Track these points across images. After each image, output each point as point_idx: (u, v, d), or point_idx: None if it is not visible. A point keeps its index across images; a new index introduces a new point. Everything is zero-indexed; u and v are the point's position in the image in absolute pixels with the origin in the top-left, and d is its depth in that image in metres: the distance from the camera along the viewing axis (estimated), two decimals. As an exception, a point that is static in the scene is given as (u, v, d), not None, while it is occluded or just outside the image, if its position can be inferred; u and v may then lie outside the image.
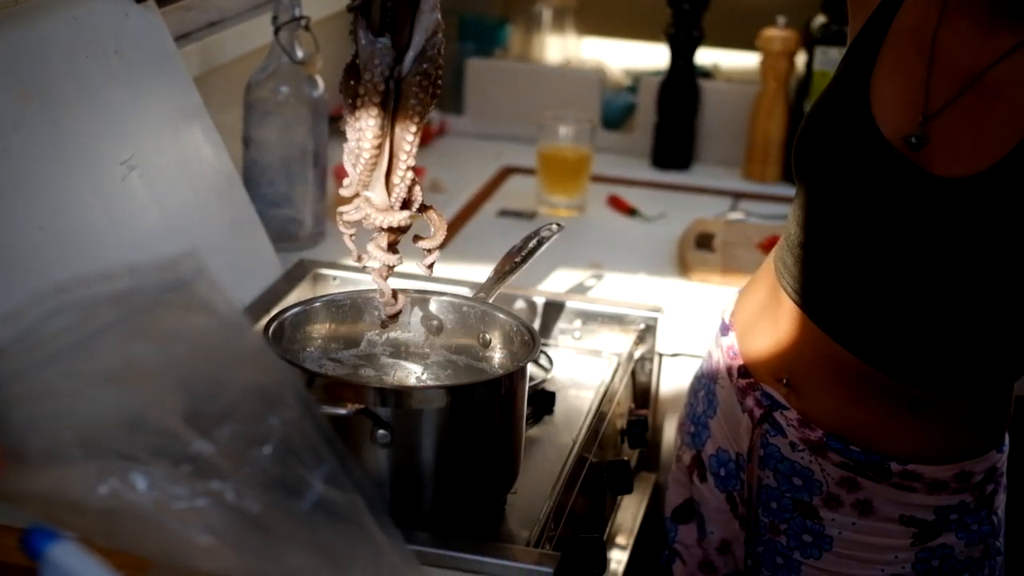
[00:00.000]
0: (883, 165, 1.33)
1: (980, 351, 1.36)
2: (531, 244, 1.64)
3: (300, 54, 1.89)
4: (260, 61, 1.92)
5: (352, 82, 1.26)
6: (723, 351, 1.56)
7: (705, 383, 1.61)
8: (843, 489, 1.44)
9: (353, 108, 1.26)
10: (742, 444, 1.51)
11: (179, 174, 1.67)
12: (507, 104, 2.57)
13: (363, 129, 1.25)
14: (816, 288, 1.41)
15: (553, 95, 2.52)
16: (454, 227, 2.15)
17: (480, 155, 2.47)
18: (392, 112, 1.25)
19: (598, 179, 2.32)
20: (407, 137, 1.26)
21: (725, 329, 1.56)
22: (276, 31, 1.88)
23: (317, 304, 1.46)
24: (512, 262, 1.61)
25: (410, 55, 1.23)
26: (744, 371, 1.51)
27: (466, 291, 1.59)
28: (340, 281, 1.80)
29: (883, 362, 1.37)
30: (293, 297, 1.73)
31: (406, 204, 1.31)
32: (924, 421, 1.39)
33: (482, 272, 1.62)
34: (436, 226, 1.35)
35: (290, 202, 1.92)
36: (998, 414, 1.43)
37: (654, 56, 2.64)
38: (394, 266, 1.35)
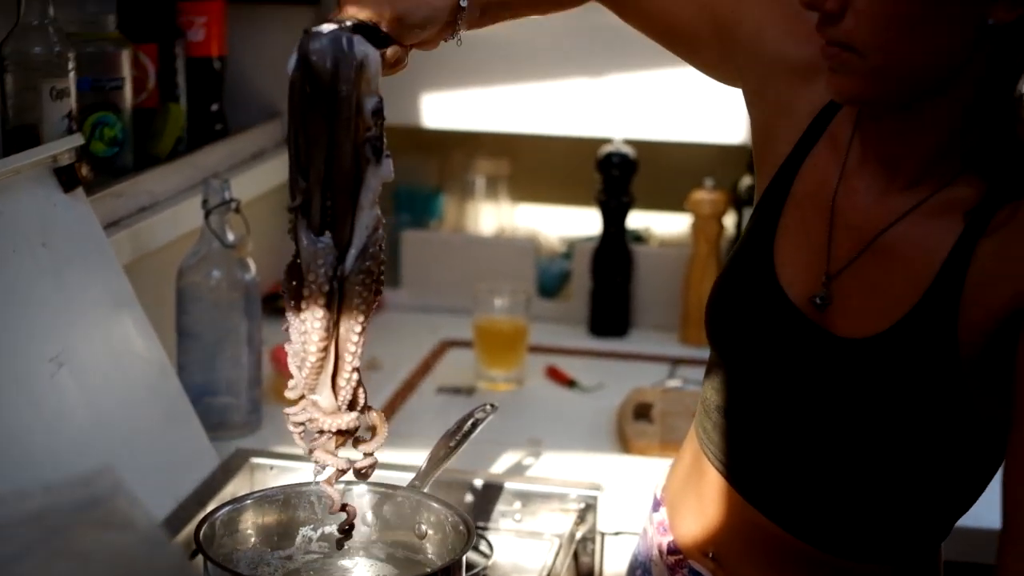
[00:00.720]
0: (789, 327, 1.34)
1: (897, 515, 1.36)
2: (466, 427, 1.62)
3: (231, 237, 1.89)
4: (191, 245, 1.91)
5: (294, 283, 1.25)
6: (654, 527, 1.55)
7: (641, 561, 1.59)
8: None
9: (297, 309, 1.25)
10: (675, 623, 1.49)
11: (110, 367, 1.65)
12: (444, 275, 2.57)
13: (308, 332, 1.23)
14: (736, 454, 1.41)
15: (488, 264, 2.53)
16: (392, 406, 2.14)
17: (418, 329, 2.46)
18: (337, 312, 1.24)
19: (536, 349, 2.32)
20: (352, 337, 1.25)
21: (656, 505, 1.56)
22: (206, 215, 1.87)
23: (249, 501, 1.44)
24: (447, 447, 1.59)
25: (352, 253, 1.22)
26: (673, 547, 1.50)
27: (403, 476, 1.57)
28: (277, 470, 1.77)
29: (803, 530, 1.37)
30: (230, 489, 1.69)
31: (352, 405, 1.29)
32: None
33: (420, 454, 1.60)
34: (378, 429, 1.33)
35: (225, 388, 1.90)
36: None
37: (588, 221, 2.66)
38: (345, 470, 1.32)
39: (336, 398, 1.27)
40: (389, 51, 1.26)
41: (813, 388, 1.32)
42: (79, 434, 1.54)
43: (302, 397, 1.29)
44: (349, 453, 1.31)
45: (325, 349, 1.24)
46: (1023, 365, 1.21)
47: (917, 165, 1.28)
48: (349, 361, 1.25)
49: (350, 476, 1.33)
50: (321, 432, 1.28)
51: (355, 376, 1.27)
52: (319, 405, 1.27)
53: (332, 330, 1.24)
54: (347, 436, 1.30)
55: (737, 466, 1.41)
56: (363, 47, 1.18)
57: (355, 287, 1.23)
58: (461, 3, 1.31)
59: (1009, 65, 1.23)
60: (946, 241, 1.25)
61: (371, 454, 1.32)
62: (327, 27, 1.19)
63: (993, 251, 1.23)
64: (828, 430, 1.33)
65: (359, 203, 1.21)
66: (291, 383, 1.28)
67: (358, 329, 1.24)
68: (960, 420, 1.27)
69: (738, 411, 1.40)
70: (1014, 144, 1.24)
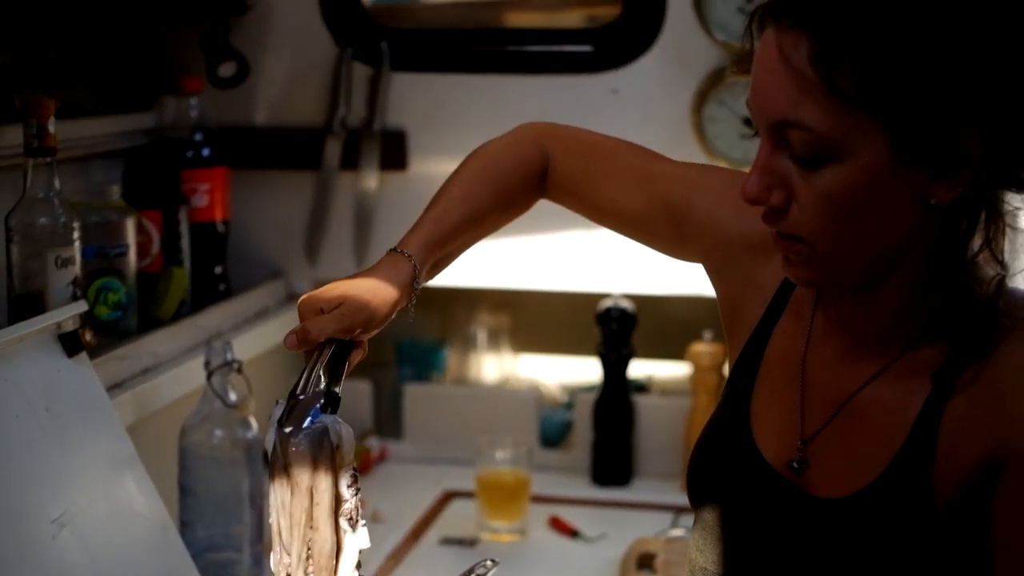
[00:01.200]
0: (768, 490, 1.35)
1: None
2: (467, 582, 1.63)
3: (233, 397, 1.92)
4: (194, 404, 1.94)
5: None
6: None
7: None
8: None
9: None
10: None
11: (112, 527, 1.67)
12: (446, 427, 2.60)
13: None
14: None
15: (491, 416, 2.56)
16: (396, 558, 2.14)
17: (421, 480, 2.48)
18: None
19: (539, 499, 2.34)
20: None
21: None
22: (209, 376, 1.91)
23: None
24: (449, 602, 1.60)
25: None
26: None
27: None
28: (277, 626, 1.77)
29: None
30: (230, 646, 1.70)
31: None
32: None
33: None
34: None
35: (228, 544, 1.92)
36: None
37: (589, 370, 2.69)
38: None
39: None
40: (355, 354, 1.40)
41: (794, 548, 1.33)
42: (81, 595, 1.55)
43: None
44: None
45: None
46: (999, 519, 1.23)
47: (879, 331, 1.30)
48: None
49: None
50: None
51: None
52: None
53: None
54: None
55: None
56: (336, 428, 1.30)
57: None
58: (415, 287, 1.44)
59: (958, 235, 1.25)
60: (915, 402, 1.27)
61: None
62: (303, 424, 1.31)
63: (961, 412, 1.25)
64: None
65: (338, 570, 1.30)
66: None
67: None
68: (941, 569, 1.27)
69: (720, 570, 1.41)
70: (973, 305, 1.26)
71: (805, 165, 1.21)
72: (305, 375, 1.35)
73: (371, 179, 2.51)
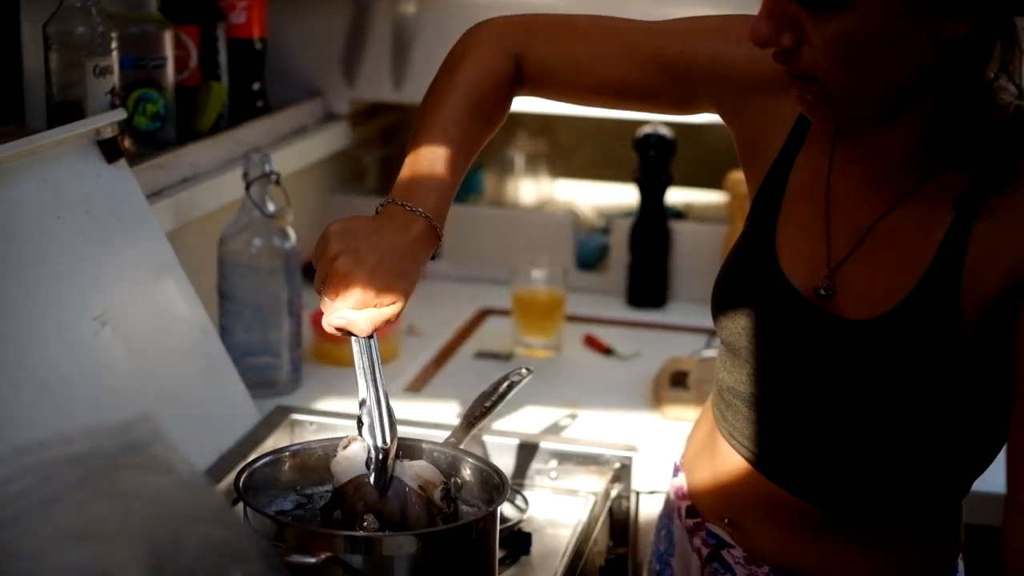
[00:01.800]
0: (796, 314, 1.37)
1: (915, 479, 1.38)
2: (501, 388, 1.65)
3: (271, 208, 1.93)
4: (233, 215, 1.96)
5: None
6: (674, 491, 1.58)
7: (664, 523, 1.63)
8: None
9: None
10: (695, 583, 1.52)
11: (153, 328, 1.69)
12: (483, 248, 2.61)
13: None
14: (749, 432, 1.44)
15: (527, 238, 2.56)
16: (430, 370, 2.17)
17: (457, 298, 2.50)
18: None
19: (573, 319, 2.35)
20: None
21: (676, 470, 1.60)
22: (247, 187, 1.92)
23: (287, 453, 1.47)
24: (483, 407, 1.62)
25: None
26: (692, 511, 1.54)
27: (440, 435, 1.60)
28: (317, 426, 1.81)
29: (820, 499, 1.40)
30: (270, 443, 1.73)
31: None
32: (867, 551, 1.40)
33: (457, 413, 1.63)
34: None
35: (266, 349, 1.95)
36: (946, 539, 1.44)
37: (627, 195, 2.69)
38: None
39: None
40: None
41: (822, 369, 1.35)
42: (121, 389, 1.58)
43: None
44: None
45: None
46: (1022, 338, 1.24)
47: (900, 161, 1.31)
48: None
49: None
50: None
51: None
52: None
53: None
54: None
55: (751, 444, 1.44)
56: (415, 472, 1.41)
57: None
58: (437, 253, 1.42)
59: (973, 65, 1.24)
60: (940, 226, 1.28)
61: None
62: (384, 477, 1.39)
63: (987, 234, 1.26)
64: (841, 407, 1.36)
65: None
66: None
67: None
68: (970, 386, 1.29)
69: (750, 394, 1.43)
70: (993, 131, 1.26)
71: (814, 10, 1.20)
72: (370, 382, 1.38)
73: (410, 3, 2.49)
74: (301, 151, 2.35)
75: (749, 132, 1.45)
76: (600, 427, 1.94)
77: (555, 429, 1.93)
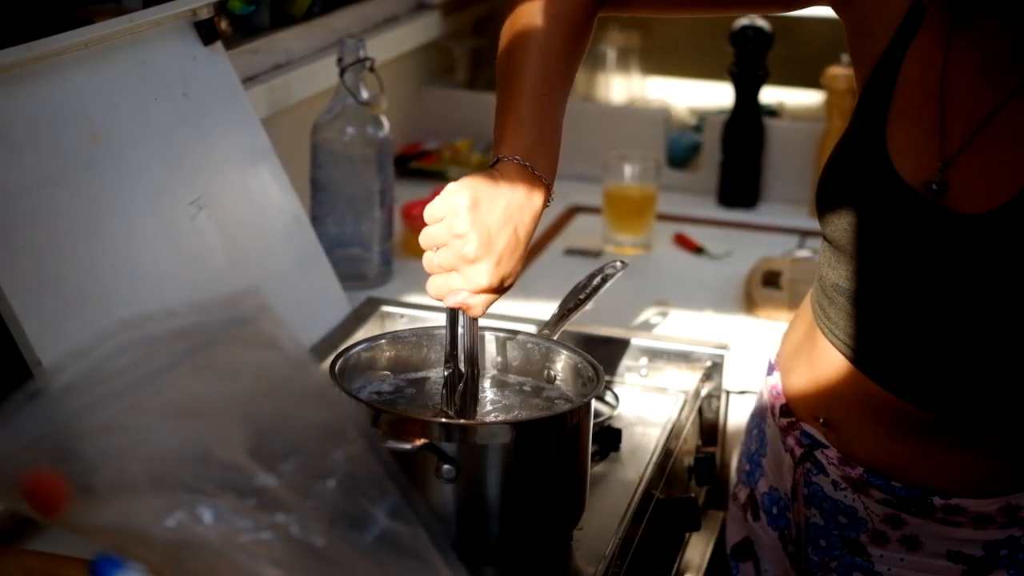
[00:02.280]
0: (907, 209, 1.33)
1: (1016, 383, 1.35)
2: (595, 281, 1.63)
3: (365, 95, 1.91)
4: (326, 103, 1.94)
5: None
6: (768, 390, 1.56)
7: (756, 422, 1.61)
8: (888, 526, 1.43)
9: None
10: (786, 483, 1.50)
11: (247, 214, 1.69)
12: (573, 143, 2.55)
13: None
14: (851, 330, 1.41)
15: (618, 134, 2.53)
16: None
17: (545, 194, 2.46)
18: None
19: (664, 217, 2.32)
20: None
21: (770, 369, 1.58)
22: (341, 73, 1.90)
23: (382, 341, 1.47)
24: (576, 299, 1.61)
25: None
26: (786, 410, 1.52)
27: (531, 328, 1.59)
28: (408, 319, 1.81)
29: (922, 399, 1.37)
30: (361, 334, 1.74)
31: None
32: (965, 454, 1.38)
33: (548, 309, 1.62)
34: None
35: (358, 241, 1.94)
36: None
37: (719, 95, 2.64)
38: None
39: None
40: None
41: (933, 265, 1.32)
42: (217, 274, 1.58)
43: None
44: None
45: None
46: None
47: (1017, 46, 1.26)
48: None
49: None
50: None
51: None
52: None
53: None
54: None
55: (853, 342, 1.41)
56: None
57: None
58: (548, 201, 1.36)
59: None
60: None
61: None
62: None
63: None
64: (950, 305, 1.33)
65: None
66: None
67: None
68: None
69: (856, 291, 1.40)
70: None
71: None
72: (465, 357, 1.36)
73: None
74: (393, 40, 2.33)
75: (861, 19, 1.41)
76: (691, 325, 1.92)
77: (646, 326, 1.91)
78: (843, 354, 1.42)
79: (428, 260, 1.31)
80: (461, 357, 1.37)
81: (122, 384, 0.92)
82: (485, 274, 1.28)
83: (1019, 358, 1.34)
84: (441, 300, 1.32)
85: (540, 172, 1.33)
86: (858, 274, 1.40)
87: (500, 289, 1.31)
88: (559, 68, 1.39)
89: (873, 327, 1.39)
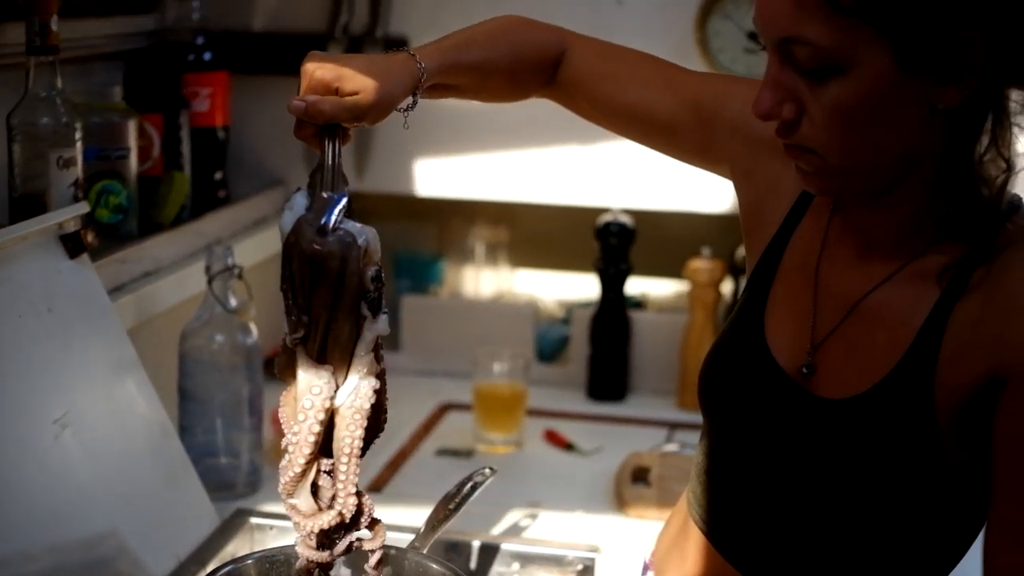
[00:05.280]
0: (779, 394, 1.36)
1: (881, 573, 1.37)
2: (465, 490, 1.64)
3: (233, 303, 1.92)
4: (195, 308, 1.94)
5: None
6: None
7: None
8: None
9: (291, 428, 1.30)
10: None
11: (112, 429, 1.67)
12: (443, 339, 2.60)
13: (299, 444, 1.28)
14: (721, 516, 1.43)
15: (488, 329, 2.56)
16: (392, 467, 2.16)
17: (417, 392, 2.48)
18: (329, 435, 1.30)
19: (534, 412, 2.34)
20: (343, 460, 1.29)
21: (645, 569, 1.59)
22: (210, 281, 1.91)
23: (250, 561, 1.45)
24: (446, 509, 1.61)
25: (344, 391, 1.28)
26: None
27: (403, 537, 1.59)
28: (277, 530, 1.78)
29: None
30: (230, 548, 1.71)
31: (354, 524, 1.33)
32: None
33: (419, 515, 1.62)
34: (379, 535, 1.36)
35: (227, 450, 1.93)
36: None
37: (586, 286, 2.70)
38: (326, 564, 1.34)
39: (316, 500, 1.30)
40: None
41: (796, 448, 1.35)
42: (82, 494, 1.56)
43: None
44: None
45: (310, 463, 1.29)
46: (1000, 437, 1.23)
47: (894, 235, 1.31)
48: (343, 483, 1.29)
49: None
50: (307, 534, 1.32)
51: (352, 500, 1.30)
52: (298, 508, 1.31)
53: (318, 450, 1.29)
54: (330, 536, 1.33)
55: (721, 527, 1.43)
56: (364, 233, 1.27)
57: (346, 419, 1.27)
58: (415, 94, 1.37)
59: (964, 138, 1.25)
60: (924, 305, 1.28)
61: (375, 551, 1.36)
62: (329, 217, 1.26)
63: (968, 314, 1.25)
64: (810, 490, 1.34)
65: (355, 352, 1.28)
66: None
67: (347, 453, 1.29)
68: (939, 481, 1.28)
69: (724, 474, 1.42)
70: (981, 206, 1.26)
71: (812, 79, 1.22)
72: (328, 169, 1.32)
73: (372, 89, 2.49)
74: (263, 242, 2.34)
75: (756, 197, 1.45)
76: (563, 527, 1.93)
77: (516, 530, 1.91)
78: (711, 542, 1.43)
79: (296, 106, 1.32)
80: (327, 176, 1.32)
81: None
82: (327, 74, 1.30)
83: (875, 550, 1.35)
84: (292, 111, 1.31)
85: (420, 59, 1.37)
86: (728, 456, 1.42)
87: (345, 94, 1.31)
88: (499, 49, 1.46)
89: (741, 512, 1.40)
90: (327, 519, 1.31)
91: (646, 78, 1.52)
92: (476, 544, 1.77)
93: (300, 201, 1.29)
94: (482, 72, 1.47)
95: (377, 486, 2.08)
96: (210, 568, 1.43)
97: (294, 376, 1.30)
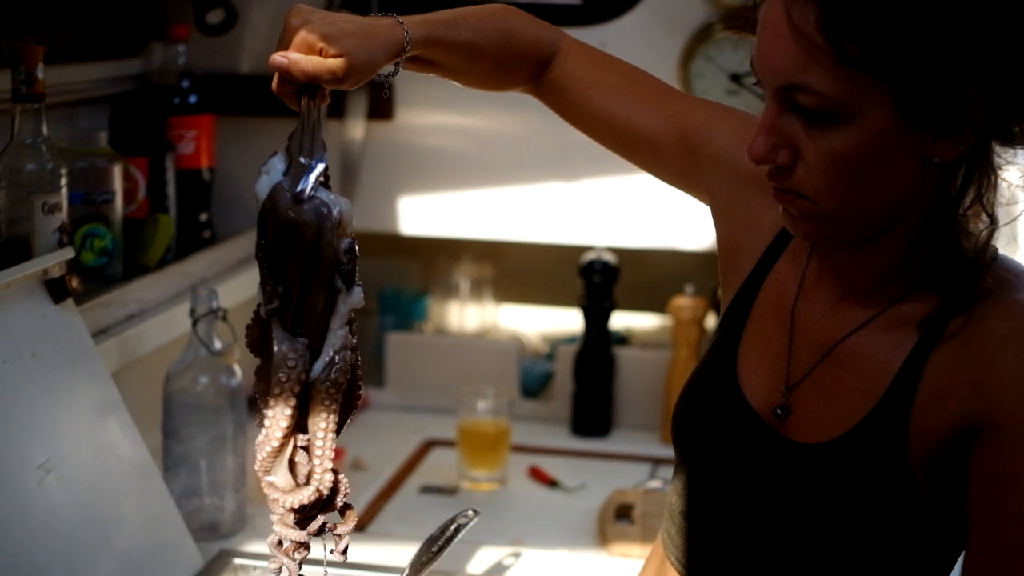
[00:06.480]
0: (751, 435, 1.37)
1: None
2: (448, 532, 1.66)
3: (218, 345, 1.93)
4: (179, 350, 1.96)
5: (265, 383, 1.30)
6: None
7: None
8: None
9: (266, 403, 1.29)
10: None
11: (96, 472, 1.68)
12: (428, 376, 2.62)
13: (275, 417, 1.27)
14: (697, 558, 1.44)
15: (472, 366, 2.58)
16: (376, 506, 2.17)
17: (402, 429, 2.50)
18: (304, 412, 1.29)
19: (518, 449, 2.36)
20: (318, 436, 1.29)
21: None
22: (194, 324, 1.92)
23: (233, 605, 1.46)
24: (429, 551, 1.62)
25: (319, 364, 1.27)
26: None
27: (386, 578, 1.60)
28: (261, 571, 1.80)
29: None
30: (213, 590, 1.72)
31: (330, 503, 1.33)
32: None
33: (404, 554, 1.63)
34: (350, 520, 1.36)
35: (211, 490, 1.94)
36: None
37: (570, 321, 2.72)
38: (303, 543, 1.34)
39: (294, 476, 1.30)
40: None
41: (770, 492, 1.35)
42: (66, 539, 1.57)
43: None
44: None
45: (287, 438, 1.28)
46: (975, 485, 1.24)
47: (873, 282, 1.32)
48: (319, 457, 1.29)
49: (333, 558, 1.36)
50: (285, 511, 1.31)
51: (328, 476, 1.30)
52: (276, 485, 1.31)
53: (294, 421, 1.28)
54: (308, 514, 1.32)
55: (698, 568, 1.43)
56: (339, 204, 1.25)
57: (321, 393, 1.27)
58: (398, 62, 1.35)
59: (953, 190, 1.26)
60: (900, 353, 1.29)
61: (343, 536, 1.35)
62: (305, 184, 1.25)
63: (944, 363, 1.26)
64: (784, 533, 1.35)
65: (329, 326, 1.27)
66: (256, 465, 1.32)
67: (323, 428, 1.28)
68: (912, 525, 1.29)
69: (699, 516, 1.43)
70: (962, 259, 1.27)
71: (812, 125, 1.22)
72: (305, 134, 1.29)
73: (357, 129, 2.52)
74: (248, 282, 2.35)
75: (733, 233, 1.46)
76: (546, 566, 1.94)
77: (500, 569, 1.93)
78: (680, 574, 1.44)
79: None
80: (305, 140, 1.29)
81: None
82: (307, 30, 1.27)
83: None
84: (273, 67, 1.28)
85: (406, 26, 1.34)
86: (702, 498, 1.42)
87: (328, 55, 1.28)
88: (489, 32, 1.44)
89: (716, 553, 1.41)
90: (306, 494, 1.30)
91: (636, 93, 1.51)
92: (460, 584, 1.79)
93: (278, 166, 1.28)
94: (468, 54, 1.44)
95: (361, 524, 2.09)
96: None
97: (266, 351, 1.29)
